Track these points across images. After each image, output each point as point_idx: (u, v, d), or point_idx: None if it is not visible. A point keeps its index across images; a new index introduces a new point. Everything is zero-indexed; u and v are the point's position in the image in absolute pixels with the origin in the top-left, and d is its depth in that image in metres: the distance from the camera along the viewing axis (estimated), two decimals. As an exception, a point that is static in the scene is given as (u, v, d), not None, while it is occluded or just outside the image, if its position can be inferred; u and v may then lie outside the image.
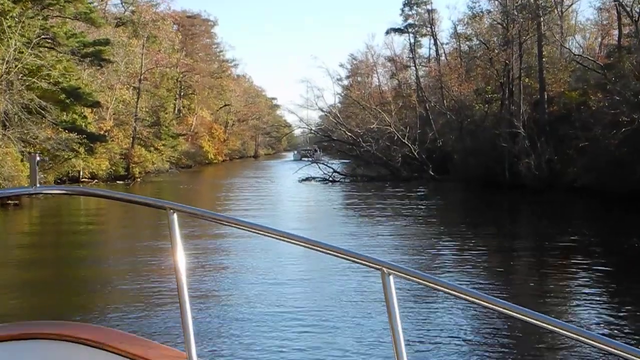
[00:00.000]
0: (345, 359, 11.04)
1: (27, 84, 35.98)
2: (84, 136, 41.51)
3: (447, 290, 2.44)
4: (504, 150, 42.85)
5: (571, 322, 11.77)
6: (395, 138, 56.32)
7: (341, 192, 48.63)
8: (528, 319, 2.26)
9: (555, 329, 2.22)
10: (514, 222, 33.43)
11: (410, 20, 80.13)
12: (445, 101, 61.02)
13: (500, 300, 2.31)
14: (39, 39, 38.52)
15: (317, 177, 55.45)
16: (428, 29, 77.46)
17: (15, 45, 34.69)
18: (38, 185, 2.69)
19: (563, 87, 48.11)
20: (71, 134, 40.77)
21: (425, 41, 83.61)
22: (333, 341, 11.80)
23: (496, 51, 45.41)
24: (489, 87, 46.38)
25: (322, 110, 63.52)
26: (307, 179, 55.01)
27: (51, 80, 39.87)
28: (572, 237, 24.39)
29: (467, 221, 31.27)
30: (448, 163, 53.39)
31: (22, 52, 35.31)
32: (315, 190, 48.98)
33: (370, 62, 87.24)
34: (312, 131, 67.14)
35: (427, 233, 26.60)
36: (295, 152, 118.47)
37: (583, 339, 2.19)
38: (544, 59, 45.21)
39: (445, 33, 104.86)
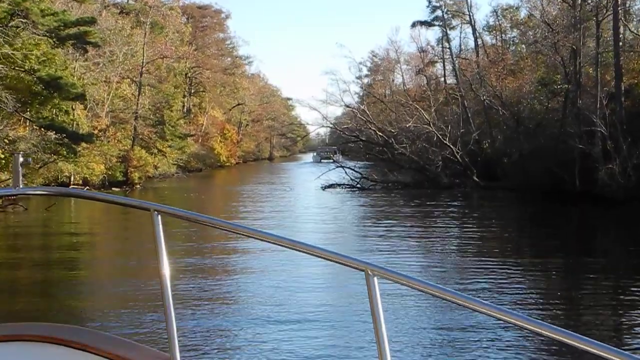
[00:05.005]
0: (329, 360, 10.72)
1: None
2: (63, 135, 34.18)
3: (431, 291, 2.40)
4: (573, 152, 35.31)
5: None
6: (435, 139, 48.70)
7: (373, 201, 41.10)
8: (514, 321, 2.26)
9: (540, 330, 2.21)
10: (595, 242, 26.08)
11: (437, 12, 73.84)
12: (482, 97, 53.51)
13: (485, 302, 2.29)
14: (8, 17, 31.35)
15: (344, 184, 48.02)
16: (458, 20, 71.28)
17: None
18: (21, 186, 2.64)
19: (637, 77, 40.65)
20: (48, 133, 33.48)
21: (454, 34, 77.50)
22: (317, 342, 11.67)
23: (560, 34, 37.55)
24: (558, 76, 38.47)
25: (349, 107, 56.19)
26: (331, 186, 47.58)
27: (26, 68, 32.70)
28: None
29: (533, 241, 25.47)
30: (496, 168, 45.90)
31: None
32: (343, 200, 41.55)
33: (394, 57, 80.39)
34: (339, 130, 59.34)
35: (484, 254, 21.75)
36: (314, 154, 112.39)
37: (569, 340, 2.17)
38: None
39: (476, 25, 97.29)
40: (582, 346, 2.13)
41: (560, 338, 2.18)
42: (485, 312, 2.29)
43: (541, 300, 15.59)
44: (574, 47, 36.97)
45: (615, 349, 2.11)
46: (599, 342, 2.12)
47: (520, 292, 15.99)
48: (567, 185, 35.96)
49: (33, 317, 12.69)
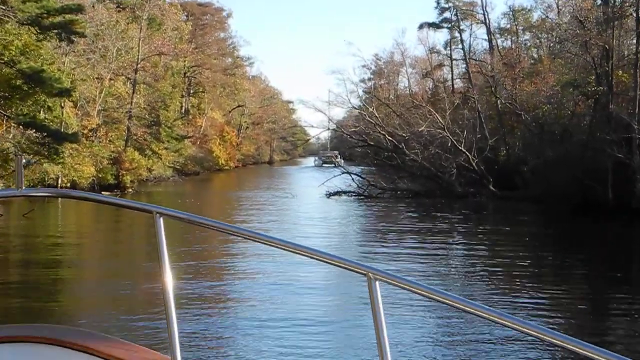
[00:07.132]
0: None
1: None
2: (45, 134, 30.97)
3: (433, 296, 2.37)
4: (604, 160, 32.21)
5: None
6: (449, 144, 45.54)
7: (382, 211, 37.98)
8: (516, 326, 2.22)
9: (542, 336, 2.19)
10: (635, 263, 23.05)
11: (446, 14, 71.11)
12: (499, 101, 50.51)
13: (487, 308, 2.26)
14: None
15: (350, 192, 44.84)
16: (469, 22, 68.49)
17: None
18: (24, 187, 2.61)
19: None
20: (28, 131, 30.29)
21: (464, 36, 74.97)
22: (318, 346, 11.63)
23: (593, 32, 34.35)
24: (592, 77, 35.22)
25: (356, 109, 53.07)
26: (336, 193, 44.40)
27: (5, 59, 29.56)
28: None
29: (558, 257, 23.23)
30: (514, 176, 42.73)
31: None
32: (350, 209, 38.50)
33: (399, 60, 77.71)
34: (346, 134, 56.11)
35: (500, 271, 19.77)
36: (316, 158, 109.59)
37: (568, 345, 2.13)
38: None
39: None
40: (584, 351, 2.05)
41: (573, 348, 2.08)
42: (487, 317, 2.24)
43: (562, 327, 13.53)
44: (606, 46, 33.81)
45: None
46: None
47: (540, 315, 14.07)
48: (598, 197, 32.83)
49: (35, 318, 12.54)
